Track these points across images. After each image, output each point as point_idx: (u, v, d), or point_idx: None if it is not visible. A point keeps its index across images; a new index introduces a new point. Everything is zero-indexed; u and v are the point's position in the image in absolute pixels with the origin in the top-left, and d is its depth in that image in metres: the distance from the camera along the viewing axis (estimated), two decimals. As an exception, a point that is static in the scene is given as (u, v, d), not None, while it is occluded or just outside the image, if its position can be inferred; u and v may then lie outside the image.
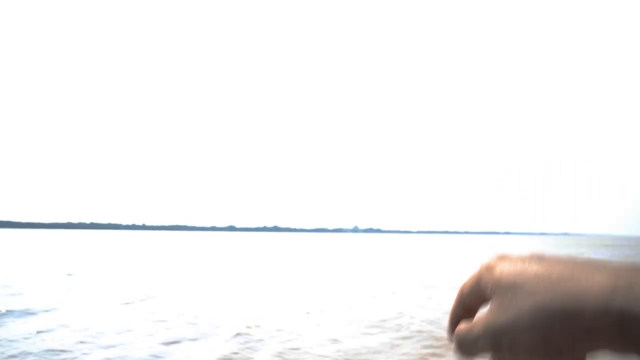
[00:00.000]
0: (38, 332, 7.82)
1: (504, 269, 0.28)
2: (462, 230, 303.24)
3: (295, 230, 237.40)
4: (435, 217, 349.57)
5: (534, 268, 0.26)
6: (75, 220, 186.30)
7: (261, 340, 7.87)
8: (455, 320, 0.34)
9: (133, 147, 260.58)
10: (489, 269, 0.30)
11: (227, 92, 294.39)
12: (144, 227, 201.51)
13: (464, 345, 0.30)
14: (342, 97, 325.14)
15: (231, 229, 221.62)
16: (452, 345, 0.32)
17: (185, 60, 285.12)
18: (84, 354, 7.37)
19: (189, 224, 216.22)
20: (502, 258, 0.31)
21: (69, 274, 17.62)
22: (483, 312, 0.30)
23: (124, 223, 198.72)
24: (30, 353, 7.52)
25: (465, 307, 0.34)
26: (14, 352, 7.43)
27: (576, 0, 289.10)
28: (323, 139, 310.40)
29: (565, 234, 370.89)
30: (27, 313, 9.51)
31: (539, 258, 0.27)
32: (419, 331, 8.30)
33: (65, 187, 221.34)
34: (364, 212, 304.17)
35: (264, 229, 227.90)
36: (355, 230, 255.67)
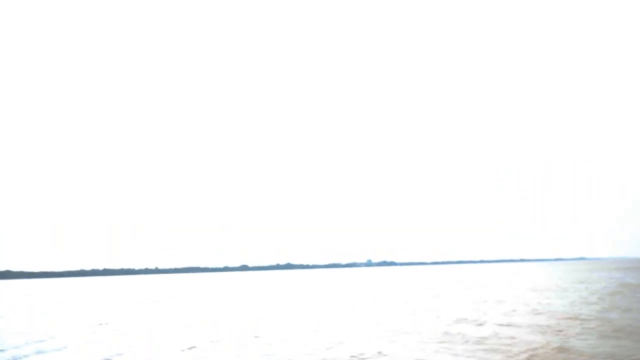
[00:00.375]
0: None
1: None
2: (477, 259, 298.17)
3: (308, 266, 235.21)
4: (448, 247, 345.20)
5: None
6: (87, 267, 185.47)
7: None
8: None
9: (143, 191, 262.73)
10: None
11: (238, 136, 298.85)
12: (157, 271, 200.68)
13: None
14: (350, 127, 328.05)
15: (244, 268, 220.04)
16: None
17: (189, 85, 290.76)
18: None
19: (201, 265, 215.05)
20: None
21: (101, 324, 17.32)
22: None
23: (136, 267, 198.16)
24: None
25: None
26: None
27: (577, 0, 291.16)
28: (333, 173, 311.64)
29: (582, 258, 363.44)
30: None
31: None
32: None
33: (76, 234, 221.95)
34: (377, 245, 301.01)
35: (277, 266, 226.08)
36: (369, 264, 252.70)
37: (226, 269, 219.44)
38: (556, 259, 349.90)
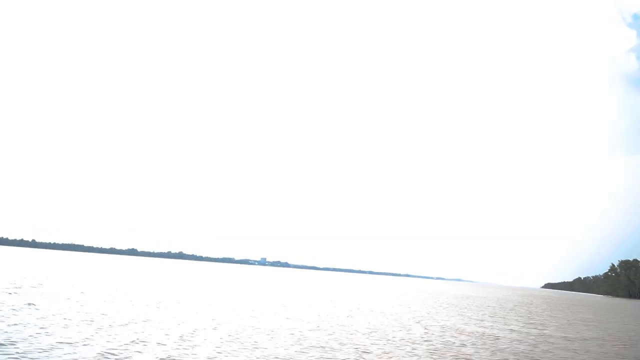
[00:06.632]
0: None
1: None
2: (367, 269, 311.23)
3: (201, 258, 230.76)
4: (341, 255, 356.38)
5: None
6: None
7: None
8: None
9: (23, 152, 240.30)
10: None
11: (139, 106, 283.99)
12: (33, 244, 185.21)
13: None
14: (256, 111, 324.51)
15: (132, 252, 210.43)
16: None
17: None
18: None
19: (85, 244, 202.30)
20: None
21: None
22: None
23: (10, 237, 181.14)
24: None
25: None
26: None
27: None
28: (235, 165, 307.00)
29: (459, 279, 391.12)
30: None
31: None
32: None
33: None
34: (272, 245, 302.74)
35: (169, 254, 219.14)
36: (263, 262, 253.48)
37: (112, 250, 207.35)
38: (438, 278, 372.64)
